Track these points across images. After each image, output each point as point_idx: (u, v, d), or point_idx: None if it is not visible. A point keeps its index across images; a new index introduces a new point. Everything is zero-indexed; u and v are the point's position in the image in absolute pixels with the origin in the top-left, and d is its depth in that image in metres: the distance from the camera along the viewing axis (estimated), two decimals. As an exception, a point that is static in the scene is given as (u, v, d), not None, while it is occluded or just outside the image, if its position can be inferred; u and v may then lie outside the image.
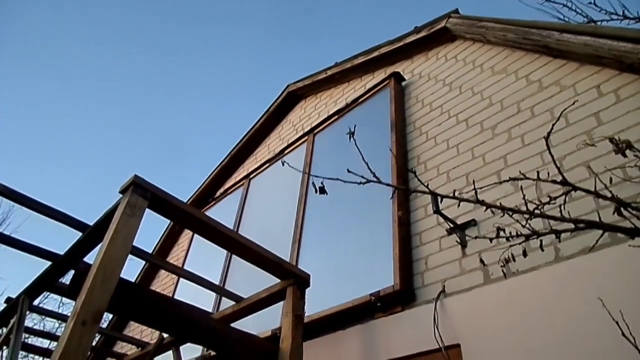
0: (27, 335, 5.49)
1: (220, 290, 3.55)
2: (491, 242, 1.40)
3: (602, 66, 2.87)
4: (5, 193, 2.43)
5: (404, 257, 3.09)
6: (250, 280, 3.60)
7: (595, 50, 2.79)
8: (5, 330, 3.35)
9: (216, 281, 4.51)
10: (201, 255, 5.68)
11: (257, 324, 3.44)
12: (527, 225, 1.27)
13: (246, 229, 5.01)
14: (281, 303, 3.15)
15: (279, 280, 3.03)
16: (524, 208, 1.37)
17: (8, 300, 3.41)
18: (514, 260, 1.49)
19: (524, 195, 1.31)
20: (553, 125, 1.46)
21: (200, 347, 4.29)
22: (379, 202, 3.54)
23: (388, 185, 1.51)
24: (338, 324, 3.25)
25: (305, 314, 2.95)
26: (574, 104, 2.17)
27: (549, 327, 2.22)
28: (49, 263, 2.93)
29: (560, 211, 1.20)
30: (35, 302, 3.53)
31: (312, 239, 4.04)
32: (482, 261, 1.69)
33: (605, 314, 2.01)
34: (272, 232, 4.46)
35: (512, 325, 2.36)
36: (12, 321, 3.11)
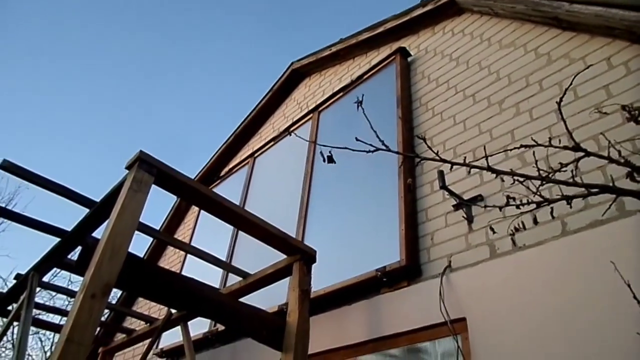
0: (37, 312, 5.59)
1: (227, 267, 3.58)
2: (500, 210, 1.38)
3: (612, 37, 2.81)
4: (13, 170, 2.44)
5: (410, 233, 3.10)
6: (257, 257, 3.63)
7: (606, 21, 2.73)
8: (15, 306, 3.40)
9: (223, 258, 4.54)
10: (207, 233, 5.72)
11: (263, 300, 3.47)
12: (538, 193, 1.25)
13: (252, 207, 5.03)
14: (287, 279, 3.18)
15: (285, 257, 3.05)
16: (533, 180, 1.36)
17: (18, 276, 3.46)
18: (524, 229, 1.48)
19: (536, 161, 1.29)
20: (566, 90, 1.42)
21: (208, 323, 4.36)
22: (385, 178, 3.54)
23: (397, 152, 1.50)
24: (344, 299, 3.28)
25: (312, 290, 2.98)
26: (588, 67, 2.12)
27: (555, 301, 2.23)
28: (57, 240, 2.97)
29: (573, 177, 1.18)
30: (44, 281, 3.58)
31: (318, 216, 4.05)
32: (491, 229, 1.67)
33: (612, 288, 2.01)
34: (277, 209, 4.47)
35: (518, 298, 2.37)
36: (22, 297, 3.15)
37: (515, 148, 1.46)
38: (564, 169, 1.20)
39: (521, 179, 1.26)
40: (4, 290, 3.99)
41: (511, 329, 2.32)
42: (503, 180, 1.50)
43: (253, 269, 3.35)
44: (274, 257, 3.12)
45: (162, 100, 26.94)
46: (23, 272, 3.44)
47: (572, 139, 1.21)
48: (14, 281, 3.58)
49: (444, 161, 1.40)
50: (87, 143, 23.98)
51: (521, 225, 1.49)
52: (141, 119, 26.72)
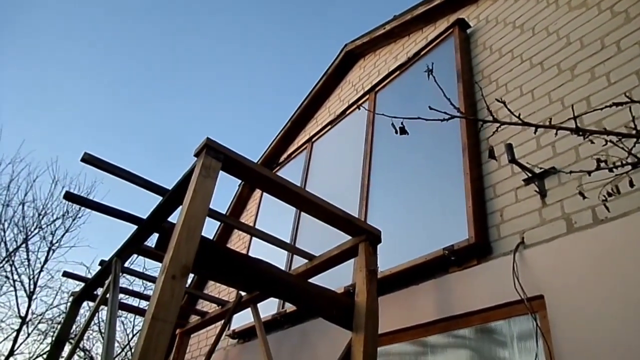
0: (119, 296, 5.98)
1: (292, 249, 3.65)
2: (590, 175, 1.29)
3: None
4: (94, 162, 2.61)
5: (477, 210, 3.00)
6: (317, 241, 3.68)
7: (696, -32, 2.46)
8: (102, 290, 3.67)
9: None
10: (269, 219, 5.85)
11: (328, 282, 3.51)
12: (633, 154, 1.15)
13: (312, 190, 5.05)
14: (351, 261, 3.20)
15: (349, 238, 3.06)
16: (615, 152, 1.24)
17: (102, 262, 3.73)
18: (619, 193, 1.38)
19: (633, 118, 1.19)
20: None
21: (276, 304, 4.48)
22: (448, 155, 3.44)
23: (474, 119, 1.44)
24: (411, 279, 3.25)
25: (378, 270, 2.97)
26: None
27: (643, 276, 2.08)
28: (131, 229, 3.15)
29: (677, 132, 1.08)
30: (125, 266, 3.83)
31: (380, 196, 4.02)
32: (582, 194, 1.56)
33: None
34: (338, 192, 4.48)
35: (600, 274, 2.24)
36: (107, 282, 3.39)
37: (607, 107, 1.34)
38: (662, 126, 1.10)
39: (615, 139, 1.17)
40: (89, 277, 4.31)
41: (594, 306, 2.20)
42: (593, 143, 1.39)
43: (316, 252, 3.39)
44: (335, 240, 3.14)
45: (221, 85, 27.22)
46: (105, 259, 3.71)
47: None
48: (98, 267, 3.86)
49: (526, 124, 1.32)
50: (138, 135, 24.71)
51: (615, 190, 1.38)
52: (196, 106, 27.28)
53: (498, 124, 1.52)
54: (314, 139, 5.81)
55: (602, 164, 1.22)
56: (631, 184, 1.34)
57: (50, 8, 18.75)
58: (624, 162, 1.17)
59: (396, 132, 1.51)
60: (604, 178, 1.25)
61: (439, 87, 1.45)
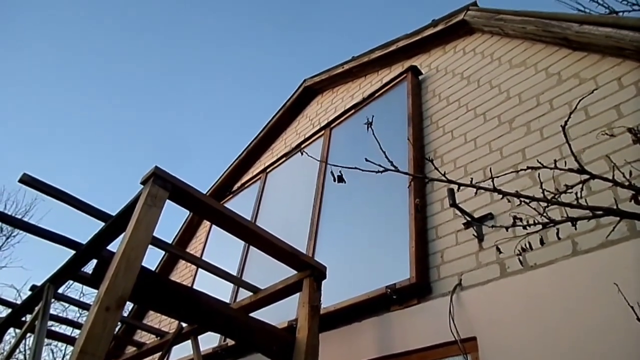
0: (50, 323, 5.64)
1: (237, 281, 3.60)
2: (507, 230, 1.40)
3: (623, 58, 2.83)
4: (33, 184, 2.51)
5: (420, 251, 3.10)
6: (268, 272, 3.65)
7: (617, 42, 2.75)
8: (30, 317, 3.46)
9: (234, 273, 4.57)
10: (219, 248, 5.76)
11: (273, 316, 3.48)
12: (545, 214, 1.27)
13: (263, 222, 5.06)
14: (297, 295, 3.19)
15: (295, 272, 3.07)
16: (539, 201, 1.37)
17: (33, 287, 3.52)
18: (531, 249, 1.49)
19: (541, 183, 1.31)
20: (570, 113, 1.45)
21: (218, 337, 4.37)
22: (396, 196, 3.55)
23: (405, 173, 1.53)
24: (354, 316, 3.28)
25: (322, 306, 2.98)
26: (593, 92, 2.15)
27: (566, 322, 2.21)
28: (72, 253, 3.02)
29: (577, 199, 1.19)
30: (59, 292, 3.63)
31: (329, 232, 4.07)
32: (498, 249, 1.69)
33: (625, 308, 2.00)
34: (289, 224, 4.51)
35: (529, 318, 2.36)
36: (37, 308, 3.21)
37: (522, 170, 1.47)
38: (570, 190, 1.22)
39: (527, 200, 1.28)
40: (18, 301, 4.06)
41: (522, 350, 2.30)
42: (509, 201, 1.52)
43: (264, 284, 3.37)
44: (285, 272, 3.14)
45: (171, 106, 27.08)
46: (37, 284, 3.51)
47: (577, 162, 1.23)
48: (29, 292, 3.64)
49: (451, 182, 1.42)
50: (93, 149, 24.09)
51: (528, 246, 1.50)
52: (148, 124, 26.86)
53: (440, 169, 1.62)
54: (268, 170, 5.84)
55: (518, 221, 1.33)
56: (542, 242, 1.47)
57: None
58: (535, 221, 1.29)
59: (334, 180, 1.57)
60: (524, 233, 1.36)
61: (377, 141, 1.54)
